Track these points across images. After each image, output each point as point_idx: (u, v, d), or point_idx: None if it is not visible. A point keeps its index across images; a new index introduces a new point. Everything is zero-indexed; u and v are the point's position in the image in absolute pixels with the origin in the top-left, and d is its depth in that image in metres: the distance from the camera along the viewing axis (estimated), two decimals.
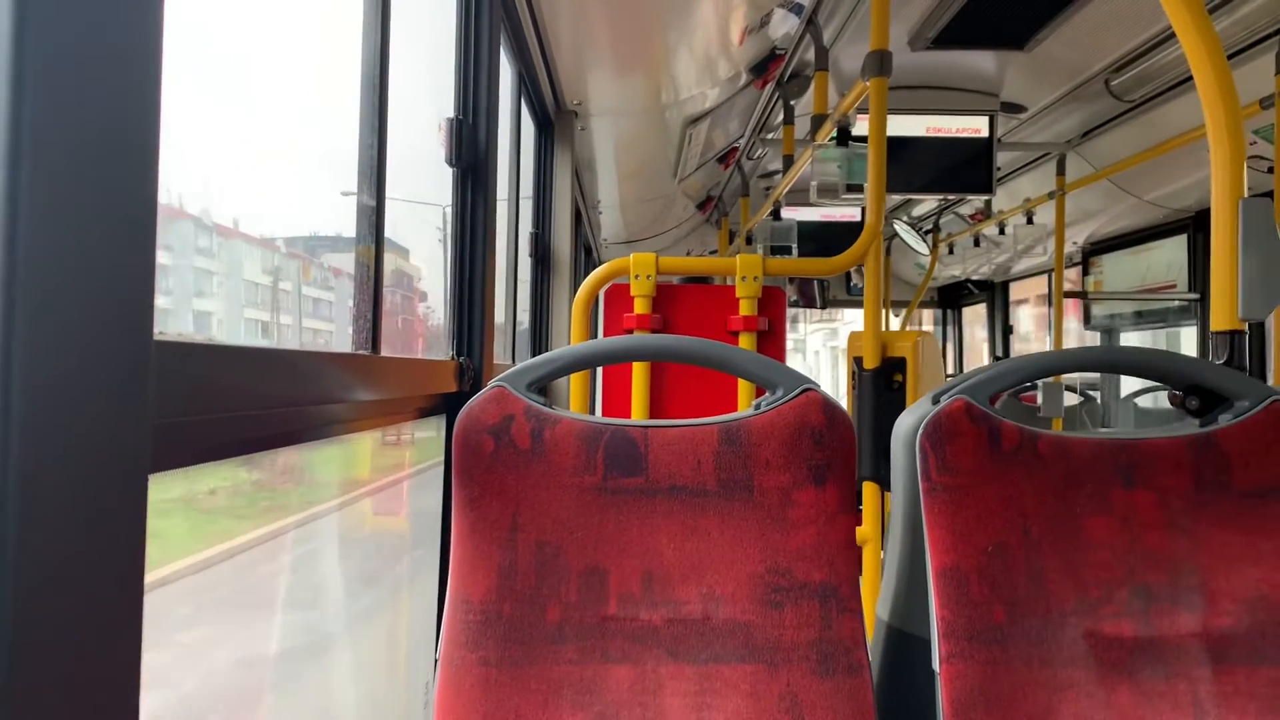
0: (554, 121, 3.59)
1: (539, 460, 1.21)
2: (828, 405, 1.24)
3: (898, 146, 3.70)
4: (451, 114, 1.74)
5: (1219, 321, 1.40)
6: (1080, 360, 1.45)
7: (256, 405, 0.81)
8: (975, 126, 3.82)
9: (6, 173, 0.44)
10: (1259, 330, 3.94)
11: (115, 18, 0.52)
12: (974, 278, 7.16)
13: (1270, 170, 3.33)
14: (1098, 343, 5.50)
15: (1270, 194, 3.33)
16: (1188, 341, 4.79)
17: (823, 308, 7.66)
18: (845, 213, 5.62)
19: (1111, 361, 1.53)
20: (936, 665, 1.19)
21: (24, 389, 0.46)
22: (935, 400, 1.28)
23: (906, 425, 1.33)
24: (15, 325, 0.45)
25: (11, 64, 0.44)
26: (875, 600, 1.49)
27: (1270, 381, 3.21)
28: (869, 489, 2.44)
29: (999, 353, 7.09)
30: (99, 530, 0.52)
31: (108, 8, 0.51)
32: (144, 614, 0.56)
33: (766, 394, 1.27)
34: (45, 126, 0.46)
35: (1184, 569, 1.22)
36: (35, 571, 0.47)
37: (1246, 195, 1.39)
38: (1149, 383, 5.02)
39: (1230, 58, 2.90)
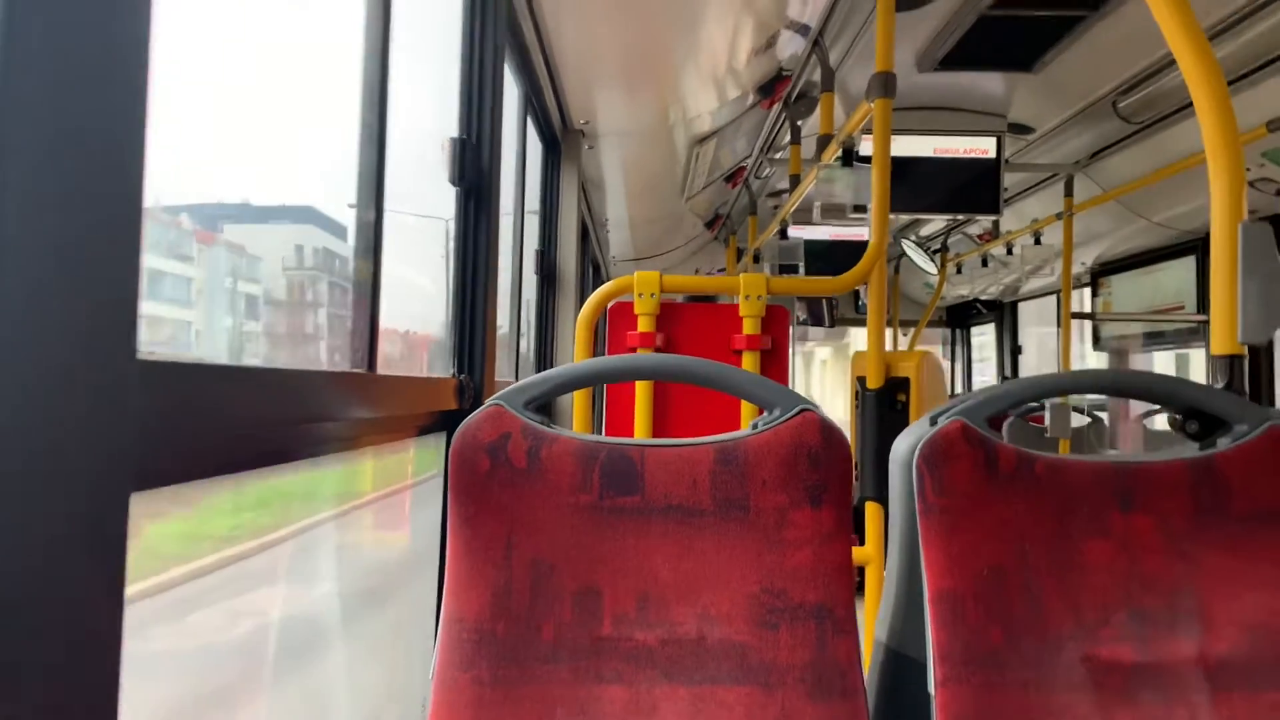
0: (560, 140, 3.60)
1: (535, 479, 1.21)
2: (825, 426, 1.24)
3: (905, 167, 3.71)
4: (455, 134, 1.75)
5: (1219, 345, 1.39)
6: (1079, 383, 1.45)
7: (247, 424, 0.81)
8: (983, 147, 3.82)
9: None
10: (1269, 353, 3.92)
11: (100, 29, 0.52)
12: (982, 298, 7.15)
13: (1279, 193, 3.33)
14: (1106, 363, 5.48)
15: (1278, 218, 3.32)
16: (1196, 363, 4.76)
17: (831, 326, 7.66)
18: (854, 232, 5.62)
19: (1110, 384, 1.52)
20: (932, 689, 1.18)
21: (2, 406, 0.46)
22: (933, 421, 1.28)
23: (904, 446, 1.33)
24: None
25: None
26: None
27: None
28: (871, 509, 2.43)
29: (1007, 373, 7.06)
30: (80, 548, 0.52)
31: (94, 33, 0.52)
32: (123, 633, 0.56)
33: (764, 414, 1.27)
34: (18, 138, 0.46)
35: (1182, 593, 1.21)
36: (14, 591, 0.47)
37: (1247, 218, 1.39)
38: (1153, 405, 4.99)
39: (1238, 80, 2.90)
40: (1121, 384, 1.42)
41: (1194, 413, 1.30)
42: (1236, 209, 1.38)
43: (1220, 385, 1.39)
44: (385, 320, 1.40)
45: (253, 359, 1.40)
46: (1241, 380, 1.37)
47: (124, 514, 0.55)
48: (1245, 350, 1.38)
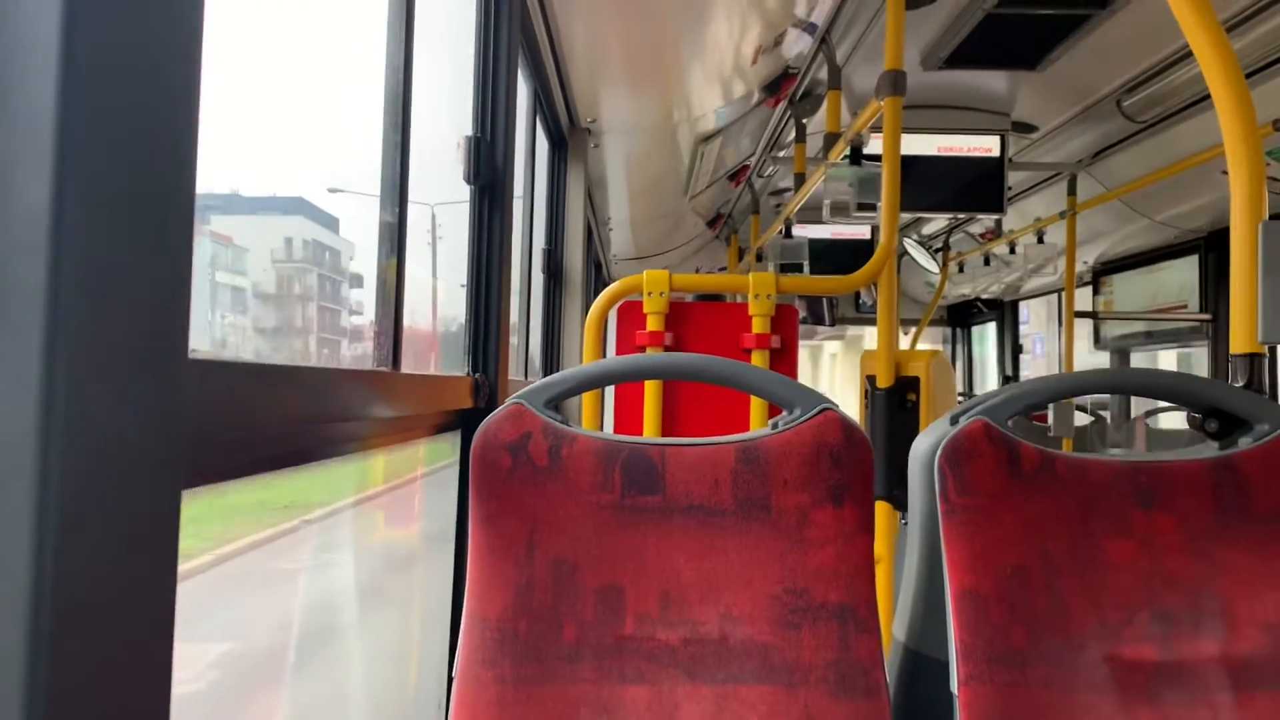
0: (567, 139, 3.60)
1: (556, 478, 1.21)
2: (846, 425, 1.24)
3: (909, 165, 3.71)
4: (469, 132, 1.75)
5: (1238, 344, 1.40)
6: (1100, 382, 1.45)
7: (282, 423, 0.81)
8: (986, 146, 3.82)
9: (50, 190, 0.45)
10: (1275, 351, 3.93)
11: (156, 37, 0.52)
12: (984, 296, 7.16)
13: None
14: (1107, 363, 5.48)
15: None
16: (1199, 362, 4.77)
17: (832, 324, 7.66)
18: (855, 231, 5.63)
19: (1132, 384, 1.52)
20: (955, 688, 1.18)
21: (63, 406, 0.46)
22: (954, 421, 1.28)
23: (924, 447, 1.33)
24: (56, 344, 0.45)
25: (57, 91, 0.45)
26: (889, 619, 1.48)
27: None
28: (881, 509, 2.43)
29: (1009, 372, 7.07)
30: (134, 546, 0.52)
31: (149, 44, 0.52)
32: (175, 629, 0.56)
33: (784, 413, 1.27)
34: (81, 143, 0.46)
35: (1205, 593, 1.21)
36: (70, 588, 0.47)
37: (1266, 217, 1.39)
38: (1159, 404, 5.00)
39: (1246, 78, 2.90)
40: (1142, 383, 1.42)
41: (1214, 412, 1.30)
42: (1257, 208, 1.38)
43: (1240, 384, 1.39)
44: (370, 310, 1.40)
45: (240, 355, 1.41)
46: (1261, 379, 1.38)
47: (176, 512, 0.55)
48: (1265, 350, 1.38)
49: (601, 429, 2.41)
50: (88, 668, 0.49)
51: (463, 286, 1.74)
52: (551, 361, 3.71)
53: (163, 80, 0.53)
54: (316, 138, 1.41)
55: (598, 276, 6.08)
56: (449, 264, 1.89)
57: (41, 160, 0.45)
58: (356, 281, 1.90)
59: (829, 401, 1.26)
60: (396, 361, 1.30)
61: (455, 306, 1.85)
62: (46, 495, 0.45)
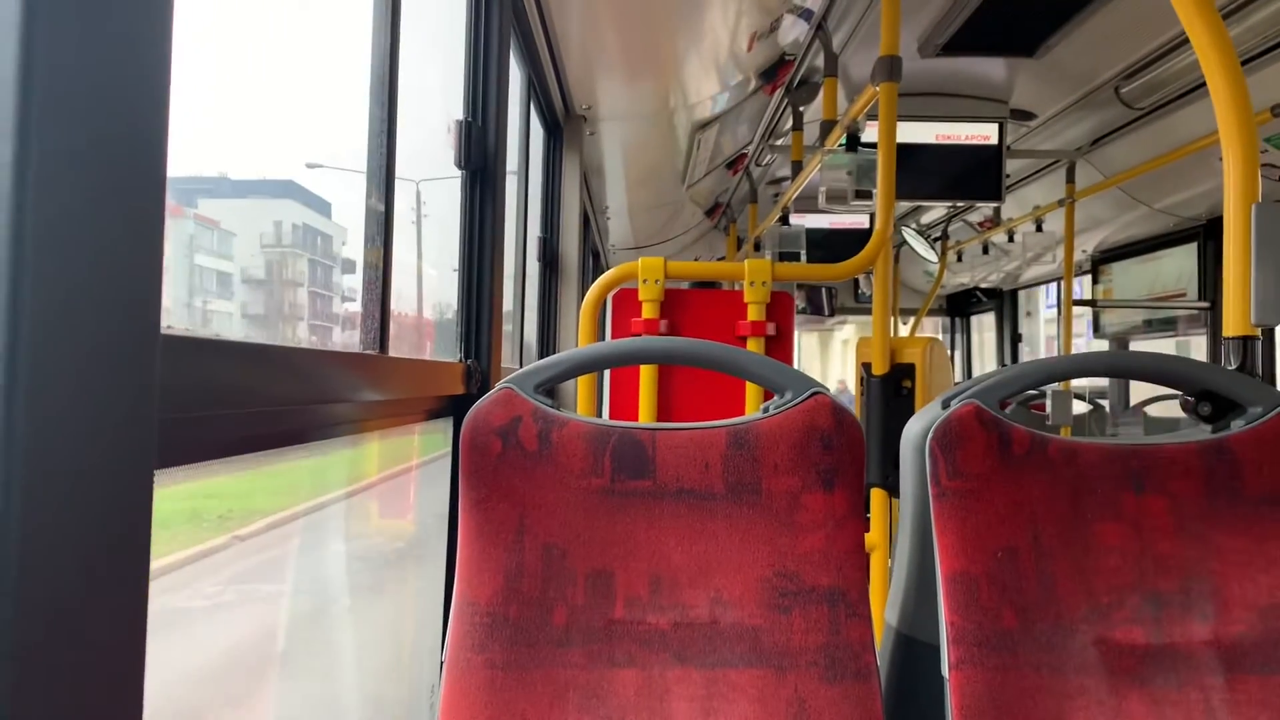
0: (563, 126, 3.59)
1: (546, 462, 1.21)
2: (837, 409, 1.23)
3: (907, 153, 3.69)
4: (460, 116, 1.74)
5: (1231, 327, 1.39)
6: (1092, 365, 1.44)
7: (263, 403, 0.80)
8: (984, 134, 3.81)
9: (13, 164, 0.44)
10: (1269, 336, 3.92)
11: (120, 21, 0.52)
12: (983, 285, 7.14)
13: None
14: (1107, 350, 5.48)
15: None
16: (1197, 350, 4.76)
17: (830, 315, 7.65)
18: (853, 219, 5.61)
19: (1123, 366, 1.52)
20: (946, 671, 1.18)
21: (30, 382, 0.45)
22: (945, 405, 1.28)
23: (916, 430, 1.32)
24: (22, 318, 0.45)
25: (18, 52, 0.44)
26: (883, 606, 1.48)
27: None
28: (876, 495, 2.43)
29: (1007, 361, 7.06)
30: (105, 526, 0.51)
31: (113, 15, 0.51)
32: (148, 610, 0.55)
33: (775, 397, 1.27)
34: (51, 116, 0.46)
35: (1196, 576, 1.21)
36: (40, 567, 0.47)
37: (1259, 201, 1.39)
38: (1159, 391, 5.00)
39: (1243, 64, 2.89)
40: (1134, 366, 1.42)
41: (1207, 395, 1.29)
42: (1250, 191, 1.38)
43: (1233, 367, 1.38)
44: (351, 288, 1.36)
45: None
46: (1255, 362, 1.37)
47: (149, 491, 0.54)
48: (1259, 332, 1.38)
49: (597, 416, 2.41)
50: (57, 647, 0.48)
51: (455, 270, 1.72)
52: (547, 349, 3.70)
53: (131, 52, 0.52)
54: (306, 119, 1.39)
55: (595, 265, 6.07)
56: (439, 247, 1.85)
57: (3, 131, 0.44)
58: (349, 267, 1.86)
59: (820, 385, 1.26)
60: (384, 345, 1.29)
61: (447, 292, 1.81)
62: (11, 471, 0.44)
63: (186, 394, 0.65)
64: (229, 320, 1.37)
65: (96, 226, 0.49)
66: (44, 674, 0.47)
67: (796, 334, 2.52)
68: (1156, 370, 1.38)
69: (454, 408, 1.60)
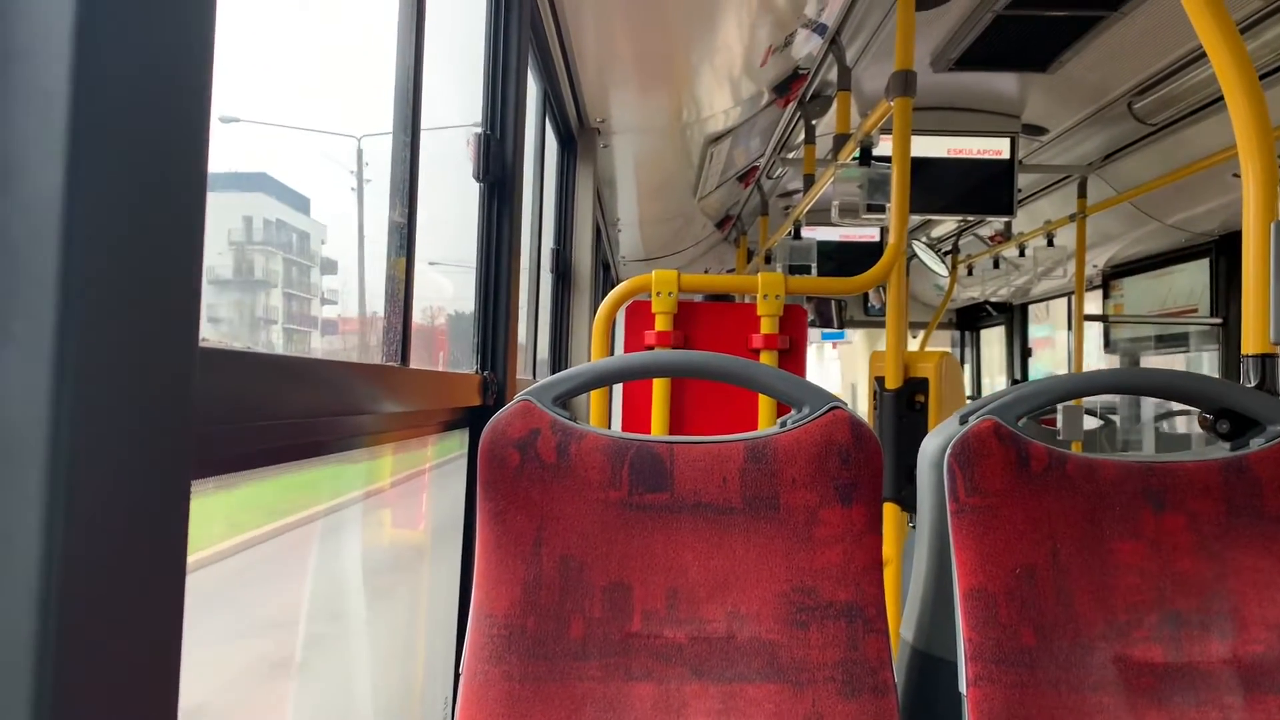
0: (577, 138, 3.61)
1: (564, 475, 1.21)
2: (855, 424, 1.23)
3: (919, 167, 3.70)
4: (480, 129, 1.75)
5: (1250, 345, 1.39)
6: (1110, 383, 1.44)
7: (290, 414, 0.81)
8: (997, 148, 3.82)
9: (62, 177, 0.45)
10: None
11: (168, 29, 0.53)
12: (993, 300, 7.14)
13: None
14: (1117, 366, 5.46)
15: None
16: (1209, 367, 4.75)
17: (840, 328, 7.65)
18: (864, 233, 5.62)
19: (1142, 384, 1.52)
20: (964, 688, 1.17)
21: (71, 394, 0.46)
22: (963, 420, 1.28)
23: (933, 446, 1.32)
24: (65, 331, 0.45)
25: (69, 73, 0.45)
26: (896, 621, 1.48)
27: None
28: (889, 510, 2.42)
29: (1017, 375, 7.05)
30: (142, 536, 0.52)
31: (161, 25, 0.52)
32: (184, 621, 0.56)
33: (792, 411, 1.27)
34: (94, 133, 0.46)
35: (1215, 594, 1.20)
36: (79, 578, 0.47)
37: (1278, 219, 1.39)
38: (1169, 406, 4.98)
39: (1262, 79, 2.89)
40: (1153, 383, 1.42)
41: (1225, 412, 1.29)
42: (1270, 209, 1.38)
43: (1252, 385, 1.38)
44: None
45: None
46: (1274, 380, 1.37)
47: (186, 501, 0.55)
48: (1277, 350, 1.38)
49: (609, 428, 2.41)
50: (96, 657, 0.49)
51: (431, 265, 1.62)
52: (559, 361, 3.71)
53: (175, 71, 0.53)
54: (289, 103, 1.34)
55: (606, 277, 6.08)
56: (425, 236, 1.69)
57: (53, 150, 0.45)
58: (329, 267, 1.77)
59: (838, 400, 1.26)
60: (405, 357, 1.30)
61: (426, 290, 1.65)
62: (55, 484, 0.45)
63: (220, 406, 0.65)
64: None
65: (139, 242, 0.50)
66: (83, 681, 0.48)
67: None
68: (1176, 388, 1.38)
69: (470, 419, 1.60)
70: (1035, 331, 7.16)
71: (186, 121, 0.54)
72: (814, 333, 9.96)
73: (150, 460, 0.52)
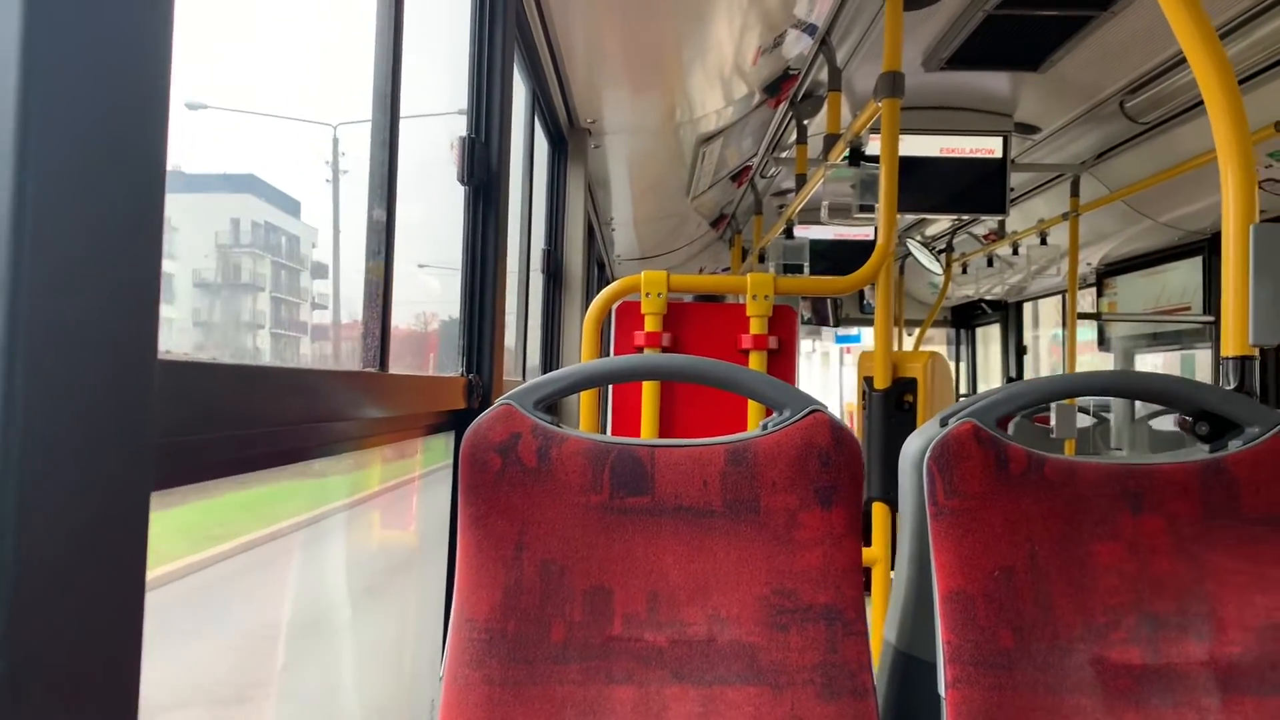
0: (567, 139, 3.60)
1: (546, 479, 1.21)
2: (835, 427, 1.24)
3: (911, 166, 3.71)
4: (464, 132, 1.75)
5: (1230, 347, 1.39)
6: (1089, 384, 1.44)
7: (262, 423, 0.81)
8: (989, 147, 3.82)
9: (11, 186, 0.45)
10: (1277, 355, 3.91)
11: (123, 29, 0.52)
12: (987, 298, 7.14)
13: None
14: (1111, 364, 5.47)
15: None
16: (1202, 364, 4.76)
17: (835, 325, 7.66)
18: (859, 231, 5.63)
19: (1120, 386, 1.52)
20: (943, 690, 1.18)
21: (26, 405, 0.46)
22: (943, 423, 1.28)
23: (914, 448, 1.33)
24: (18, 342, 0.45)
25: (17, 75, 0.45)
26: (884, 621, 1.48)
27: None
28: (878, 509, 2.42)
29: (1012, 374, 7.05)
30: (100, 546, 0.52)
31: (115, 18, 0.52)
32: (144, 631, 0.56)
33: (774, 414, 1.27)
34: (48, 139, 0.46)
35: (1192, 596, 1.21)
36: (35, 588, 0.47)
37: (1259, 219, 1.39)
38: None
39: (1246, 80, 2.90)
40: (1132, 385, 1.42)
41: (1205, 414, 1.29)
42: (1249, 210, 1.38)
43: (1231, 387, 1.39)
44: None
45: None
46: (1253, 382, 1.37)
47: (145, 513, 0.55)
48: (1257, 352, 1.38)
49: (602, 431, 2.42)
50: (51, 669, 0.49)
51: (421, 268, 1.61)
52: (550, 363, 3.71)
53: (131, 73, 0.53)
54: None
55: (600, 276, 6.08)
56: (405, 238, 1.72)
57: (2, 154, 0.44)
58: (320, 271, 1.75)
59: (818, 403, 1.26)
60: (384, 362, 1.30)
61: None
62: (7, 493, 0.45)
63: (184, 416, 0.65)
64: (168, 328, 1.35)
65: (95, 252, 0.50)
66: (40, 696, 0.48)
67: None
68: (1154, 390, 1.38)
69: (455, 422, 1.60)
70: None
71: (144, 121, 0.54)
72: (826, 335, 9.96)
73: (108, 470, 0.52)
